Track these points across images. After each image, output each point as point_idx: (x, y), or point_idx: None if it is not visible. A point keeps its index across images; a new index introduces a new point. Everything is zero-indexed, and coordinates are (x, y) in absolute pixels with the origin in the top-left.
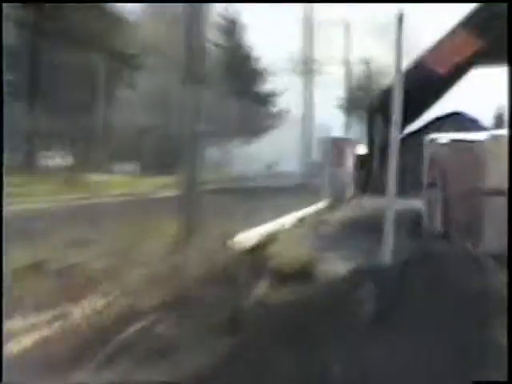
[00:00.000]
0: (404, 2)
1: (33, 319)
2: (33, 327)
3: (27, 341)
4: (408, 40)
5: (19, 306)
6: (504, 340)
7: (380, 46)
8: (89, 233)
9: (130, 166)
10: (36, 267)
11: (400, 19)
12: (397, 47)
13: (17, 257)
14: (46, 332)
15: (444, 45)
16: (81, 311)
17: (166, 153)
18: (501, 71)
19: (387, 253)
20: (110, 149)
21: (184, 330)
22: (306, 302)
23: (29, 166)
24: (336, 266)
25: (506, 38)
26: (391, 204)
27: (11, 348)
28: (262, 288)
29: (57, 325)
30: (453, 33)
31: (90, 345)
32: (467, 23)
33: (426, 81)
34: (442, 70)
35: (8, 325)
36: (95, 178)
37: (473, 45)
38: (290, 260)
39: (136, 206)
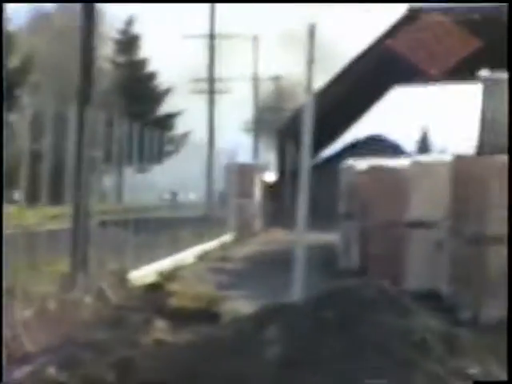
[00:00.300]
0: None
1: None
2: None
3: None
4: (325, 51)
5: None
6: None
7: (293, 59)
8: None
9: (17, 195)
10: None
11: (312, 32)
12: (308, 65)
13: None
14: None
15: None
16: None
17: (54, 180)
18: (422, 92)
19: (297, 291)
20: None
21: (74, 374)
22: (208, 344)
23: None
24: (241, 304)
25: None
26: (302, 237)
27: None
28: (160, 329)
29: None
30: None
31: None
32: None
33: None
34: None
35: None
36: None
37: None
38: (191, 298)
39: (20, 240)
